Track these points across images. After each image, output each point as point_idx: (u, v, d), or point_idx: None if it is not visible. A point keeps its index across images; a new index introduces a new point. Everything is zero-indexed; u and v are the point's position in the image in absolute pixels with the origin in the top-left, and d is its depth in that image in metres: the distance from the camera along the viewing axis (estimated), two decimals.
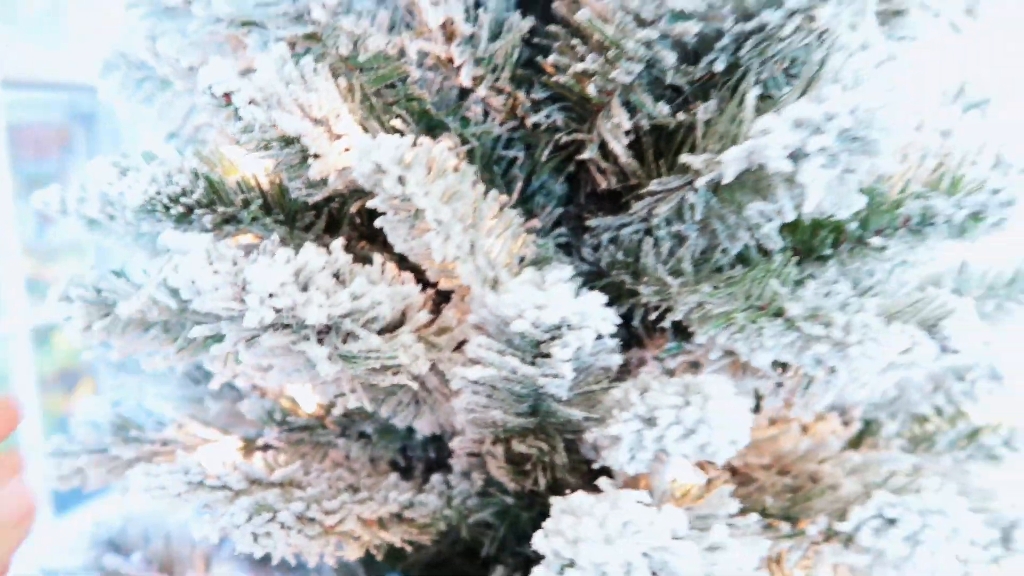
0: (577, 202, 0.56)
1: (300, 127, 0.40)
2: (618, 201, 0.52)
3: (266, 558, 0.66)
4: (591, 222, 0.51)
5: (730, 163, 0.36)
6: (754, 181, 0.39)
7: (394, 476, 0.56)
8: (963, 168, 0.38)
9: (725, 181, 0.36)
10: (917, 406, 0.65)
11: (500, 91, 0.49)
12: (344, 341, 0.39)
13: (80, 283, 0.47)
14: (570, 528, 0.34)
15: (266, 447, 0.57)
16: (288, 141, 0.42)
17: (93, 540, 0.69)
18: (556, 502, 0.39)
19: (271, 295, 0.35)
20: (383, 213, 0.41)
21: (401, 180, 0.36)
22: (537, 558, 0.51)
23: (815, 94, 0.33)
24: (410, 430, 0.61)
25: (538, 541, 0.36)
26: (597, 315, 0.40)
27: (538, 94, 0.49)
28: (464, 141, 0.50)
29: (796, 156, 0.34)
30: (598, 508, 0.35)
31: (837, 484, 0.53)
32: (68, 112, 1.50)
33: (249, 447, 0.56)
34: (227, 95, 0.40)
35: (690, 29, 0.38)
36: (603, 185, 0.51)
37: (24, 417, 0.33)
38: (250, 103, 0.39)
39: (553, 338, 0.40)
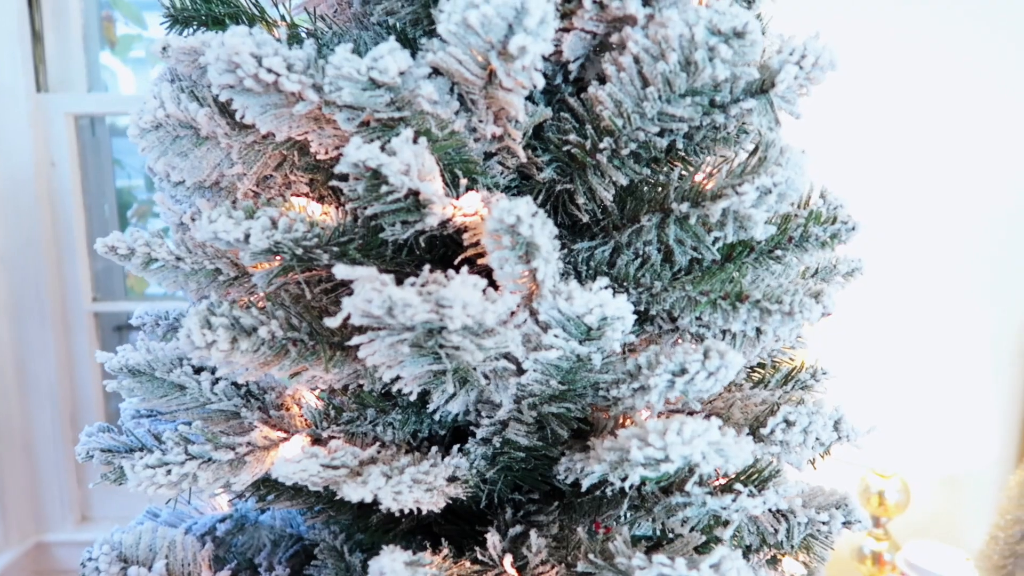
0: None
1: (429, 189, 0.56)
2: (586, 231, 0.74)
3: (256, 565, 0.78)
4: (576, 246, 0.72)
5: (714, 210, 0.59)
6: (708, 216, 0.63)
7: (434, 449, 0.72)
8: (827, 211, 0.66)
9: (713, 220, 0.60)
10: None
11: (513, 155, 0.68)
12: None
13: (216, 313, 0.57)
14: (657, 438, 0.55)
15: (328, 439, 0.69)
16: (408, 195, 0.58)
17: (112, 557, 0.75)
18: (622, 432, 0.59)
19: (465, 306, 0.51)
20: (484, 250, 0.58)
21: (531, 227, 0.54)
22: (528, 503, 0.71)
23: (766, 171, 0.58)
24: (420, 419, 0.77)
25: (634, 452, 0.56)
26: (627, 309, 0.61)
27: (542, 157, 0.69)
28: (487, 188, 0.69)
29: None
30: (660, 426, 0.57)
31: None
32: None
33: (315, 441, 0.69)
34: (373, 167, 0.55)
35: (680, 127, 0.61)
36: (584, 220, 0.72)
37: None
38: (399, 173, 0.55)
39: (603, 325, 0.60)
